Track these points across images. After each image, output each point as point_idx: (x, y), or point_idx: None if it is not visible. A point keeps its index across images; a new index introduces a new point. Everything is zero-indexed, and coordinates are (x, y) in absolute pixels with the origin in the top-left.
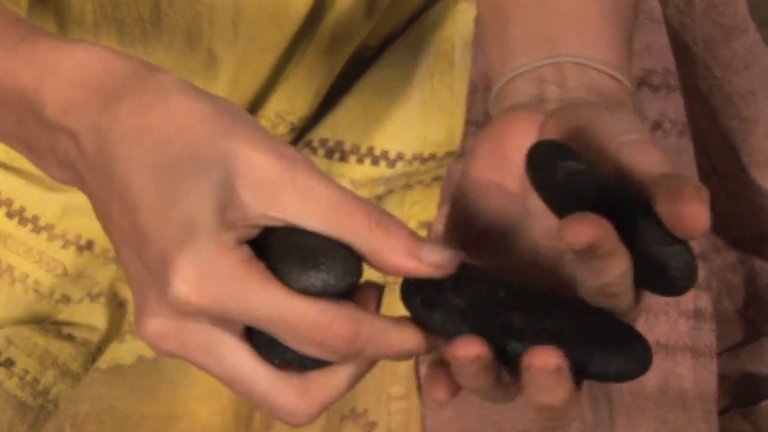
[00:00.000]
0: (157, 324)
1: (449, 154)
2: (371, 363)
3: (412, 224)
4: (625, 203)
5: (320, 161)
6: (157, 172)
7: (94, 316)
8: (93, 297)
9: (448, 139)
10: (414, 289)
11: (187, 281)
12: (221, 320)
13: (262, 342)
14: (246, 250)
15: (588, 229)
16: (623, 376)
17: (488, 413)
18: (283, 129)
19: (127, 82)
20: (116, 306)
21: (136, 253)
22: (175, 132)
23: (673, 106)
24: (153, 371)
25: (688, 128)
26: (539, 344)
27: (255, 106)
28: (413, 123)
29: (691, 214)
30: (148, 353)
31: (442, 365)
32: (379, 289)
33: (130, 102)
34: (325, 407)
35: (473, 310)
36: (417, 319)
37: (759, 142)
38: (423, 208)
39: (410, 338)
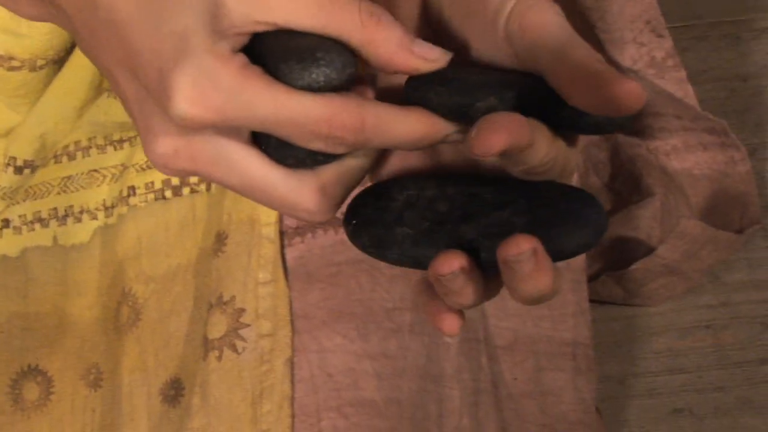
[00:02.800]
0: (166, 143)
1: None
2: (378, 156)
3: None
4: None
5: None
6: None
7: None
8: None
9: None
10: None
11: (188, 96)
12: (227, 130)
13: (272, 146)
14: (242, 58)
15: (498, 140)
16: (587, 247)
17: (355, 293)
18: None
19: None
20: None
21: (132, 75)
22: None
23: None
24: (17, 269)
25: None
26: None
27: None
28: None
29: (625, 94)
30: (11, 252)
31: (433, 297)
32: (371, 78)
33: None
34: (343, 200)
35: (423, 239)
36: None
37: (614, 19)
38: None
39: (418, 122)
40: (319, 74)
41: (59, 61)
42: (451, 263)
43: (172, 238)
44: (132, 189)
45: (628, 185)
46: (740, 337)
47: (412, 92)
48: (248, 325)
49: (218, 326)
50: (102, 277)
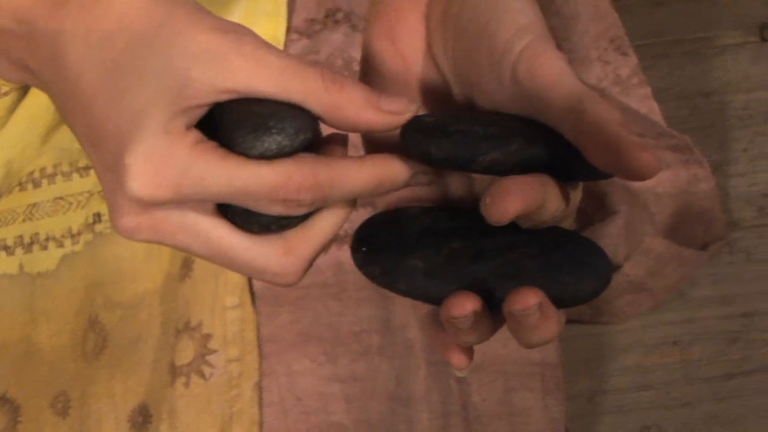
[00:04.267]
0: (129, 220)
1: None
2: (347, 207)
3: None
4: (547, 160)
5: None
6: (104, 69)
7: None
8: None
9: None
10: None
11: (140, 177)
12: (189, 203)
13: (237, 213)
14: (196, 134)
15: (511, 206)
16: (594, 295)
17: (323, 316)
18: None
19: None
20: None
21: (95, 149)
22: (117, 28)
23: None
24: None
25: None
26: (513, 286)
27: None
28: None
29: (644, 165)
30: None
31: (442, 329)
32: (343, 139)
33: (74, 4)
34: (311, 261)
35: (435, 274)
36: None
37: (579, 38)
38: None
39: (373, 170)
40: (271, 143)
41: (24, 88)
42: (465, 306)
43: (139, 264)
44: (98, 216)
45: (592, 203)
46: (706, 352)
47: (413, 145)
48: (215, 351)
49: (186, 352)
50: (69, 305)
